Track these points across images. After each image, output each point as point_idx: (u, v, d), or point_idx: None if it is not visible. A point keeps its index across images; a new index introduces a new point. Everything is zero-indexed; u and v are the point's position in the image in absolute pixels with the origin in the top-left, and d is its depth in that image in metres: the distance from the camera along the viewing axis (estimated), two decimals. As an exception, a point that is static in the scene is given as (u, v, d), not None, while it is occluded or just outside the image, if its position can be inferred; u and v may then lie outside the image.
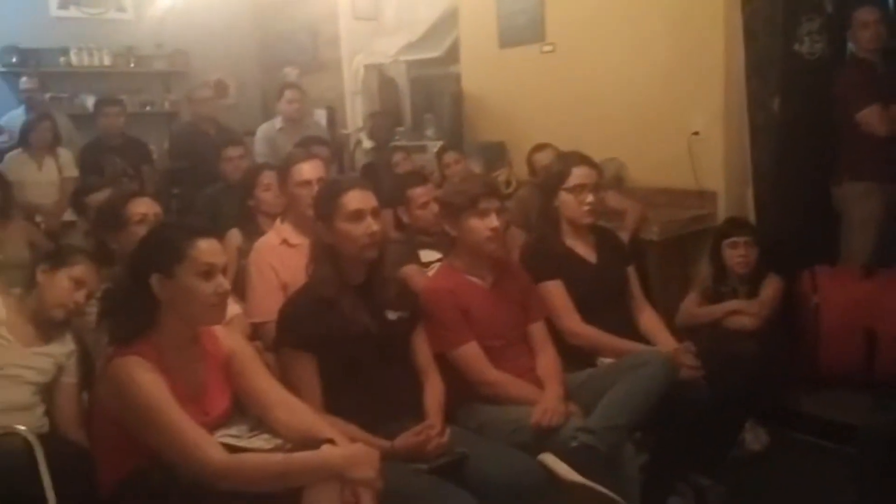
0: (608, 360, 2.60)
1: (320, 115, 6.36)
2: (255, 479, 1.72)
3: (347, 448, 1.81)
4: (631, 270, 2.89)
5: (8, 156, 4.84)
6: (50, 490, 2.04)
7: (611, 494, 2.11)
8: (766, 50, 3.69)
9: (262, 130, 5.34)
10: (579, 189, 2.74)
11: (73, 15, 6.80)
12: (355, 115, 6.48)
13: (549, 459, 2.14)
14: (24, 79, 5.74)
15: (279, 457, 1.78)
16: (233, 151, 4.23)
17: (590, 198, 2.74)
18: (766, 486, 2.96)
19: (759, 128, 3.76)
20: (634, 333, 2.77)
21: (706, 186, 3.94)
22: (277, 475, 1.72)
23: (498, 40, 5.06)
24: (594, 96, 4.43)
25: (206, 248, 1.89)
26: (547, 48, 4.75)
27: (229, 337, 2.08)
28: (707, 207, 3.94)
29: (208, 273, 1.88)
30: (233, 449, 1.81)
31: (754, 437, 3.16)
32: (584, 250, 2.82)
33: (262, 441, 1.91)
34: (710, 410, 2.52)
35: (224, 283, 1.92)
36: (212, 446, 1.75)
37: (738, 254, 3.27)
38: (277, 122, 5.30)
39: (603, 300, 2.74)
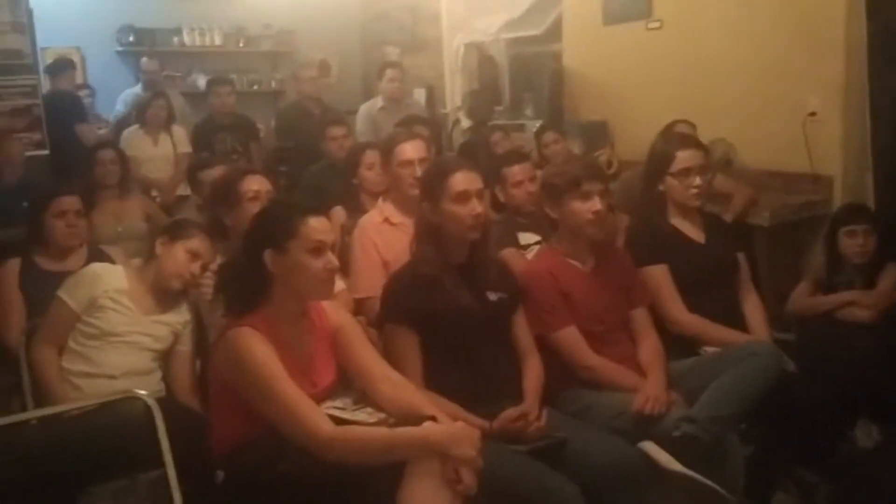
0: (712, 349, 2.54)
1: (420, 94, 6.40)
2: (360, 452, 1.77)
3: (449, 426, 1.83)
4: (741, 256, 2.80)
5: (126, 132, 5.09)
6: (167, 452, 2.14)
7: (714, 486, 2.06)
8: (891, 25, 3.47)
9: (364, 109, 5.43)
10: (685, 173, 2.66)
11: (187, -5, 7.07)
12: (454, 93, 6.48)
13: (651, 448, 2.11)
14: (144, 59, 6.03)
15: (384, 431, 1.82)
16: (337, 131, 4.32)
17: (697, 181, 2.66)
18: (877, 485, 2.82)
19: (881, 109, 3.57)
20: (740, 321, 2.69)
21: (821, 170, 3.78)
22: (382, 449, 1.76)
23: (602, 17, 4.97)
24: (703, 74, 4.29)
25: (317, 226, 1.94)
26: (653, 24, 4.62)
27: (336, 312, 2.14)
28: (822, 192, 3.77)
29: (318, 250, 1.94)
30: (338, 421, 1.86)
31: (866, 434, 3.01)
32: (692, 231, 2.74)
33: (365, 414, 1.96)
34: (820, 405, 2.42)
35: (333, 259, 1.97)
36: (320, 417, 1.81)
37: (855, 243, 3.10)
38: (378, 102, 5.37)
39: (710, 283, 2.66)
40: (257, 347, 1.85)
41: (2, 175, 4.06)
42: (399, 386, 2.00)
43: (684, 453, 2.11)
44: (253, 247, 1.97)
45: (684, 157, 2.67)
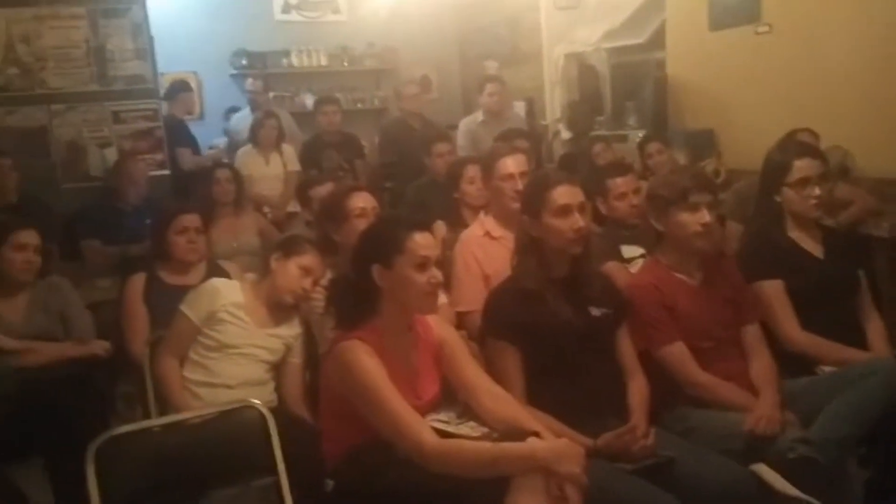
0: (829, 368, 2.43)
1: (519, 107, 6.40)
2: (465, 465, 1.78)
3: (554, 442, 1.82)
4: (861, 273, 2.66)
5: (239, 152, 5.32)
6: (280, 460, 2.22)
7: (832, 511, 1.97)
8: None
9: (464, 124, 5.48)
10: (803, 183, 2.55)
11: (294, 19, 7.38)
12: (554, 105, 6.46)
13: (764, 470, 2.03)
14: (249, 80, 6.30)
15: (488, 445, 1.83)
16: (443, 147, 4.41)
17: (816, 191, 2.54)
18: None
19: None
20: (859, 340, 2.55)
21: (948, 178, 3.55)
22: (487, 463, 1.77)
23: (708, 22, 4.86)
24: (815, 79, 4.12)
25: (422, 242, 1.99)
26: (762, 29, 4.48)
27: (441, 325, 2.18)
28: (949, 201, 3.55)
29: (423, 265, 1.98)
30: (442, 433, 1.89)
31: None
32: (810, 245, 2.63)
33: (468, 428, 1.98)
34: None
35: (437, 274, 2.01)
36: (425, 429, 1.84)
37: None
38: (479, 116, 5.41)
39: (828, 300, 2.54)
40: (366, 360, 1.91)
41: (127, 195, 4.31)
42: (502, 400, 2.01)
43: (800, 477, 2.02)
44: (361, 263, 2.03)
45: (802, 167, 2.56)
